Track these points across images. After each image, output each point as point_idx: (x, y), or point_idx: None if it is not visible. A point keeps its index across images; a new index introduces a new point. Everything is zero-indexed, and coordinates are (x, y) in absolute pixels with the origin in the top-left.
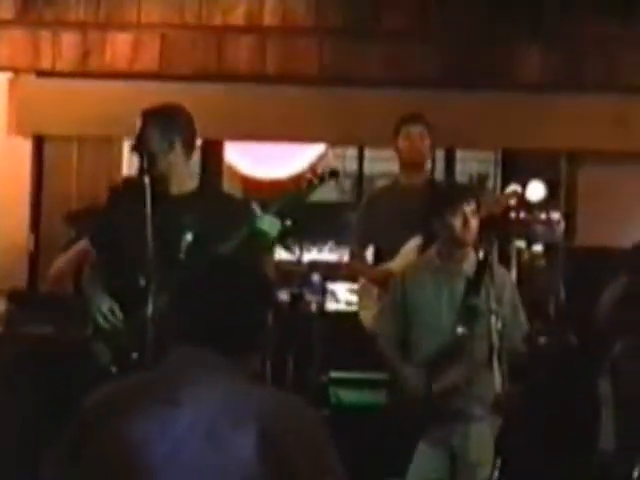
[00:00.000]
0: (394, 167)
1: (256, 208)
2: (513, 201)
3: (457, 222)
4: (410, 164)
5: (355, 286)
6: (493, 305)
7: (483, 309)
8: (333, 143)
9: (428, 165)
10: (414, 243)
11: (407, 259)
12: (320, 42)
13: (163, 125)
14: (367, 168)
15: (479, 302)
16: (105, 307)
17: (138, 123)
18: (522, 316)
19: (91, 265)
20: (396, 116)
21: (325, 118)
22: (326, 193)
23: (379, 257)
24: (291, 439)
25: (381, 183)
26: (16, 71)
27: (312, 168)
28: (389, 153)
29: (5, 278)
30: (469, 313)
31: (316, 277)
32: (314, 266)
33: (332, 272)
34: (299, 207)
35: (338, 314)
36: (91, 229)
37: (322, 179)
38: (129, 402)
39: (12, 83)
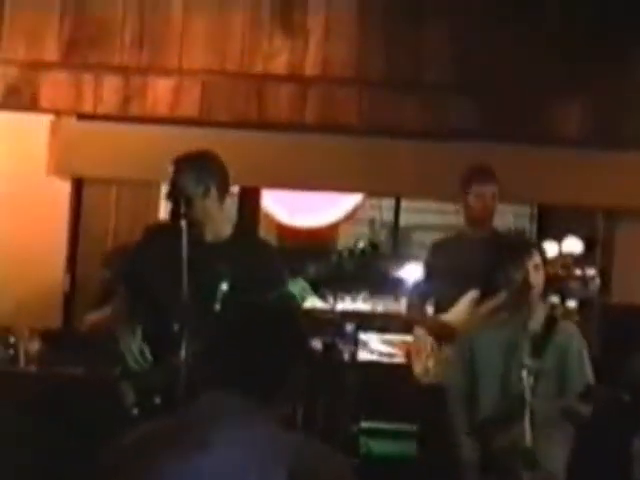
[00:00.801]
0: (429, 219)
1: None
2: (565, 268)
3: (519, 277)
4: (478, 221)
5: (389, 337)
6: (526, 360)
7: (547, 368)
8: (370, 193)
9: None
10: (471, 296)
11: (462, 312)
12: (360, 92)
13: (198, 170)
14: (403, 219)
15: (542, 361)
16: (135, 347)
17: (171, 169)
18: (587, 373)
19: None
20: (433, 167)
21: (363, 168)
22: (361, 242)
23: (438, 308)
24: None
25: (416, 235)
26: (58, 113)
27: (348, 217)
28: (425, 205)
29: (40, 318)
30: (534, 370)
31: (349, 327)
32: (347, 315)
33: (365, 322)
34: (336, 275)
35: (370, 364)
36: (123, 266)
37: (363, 252)
38: (160, 445)
39: (54, 125)
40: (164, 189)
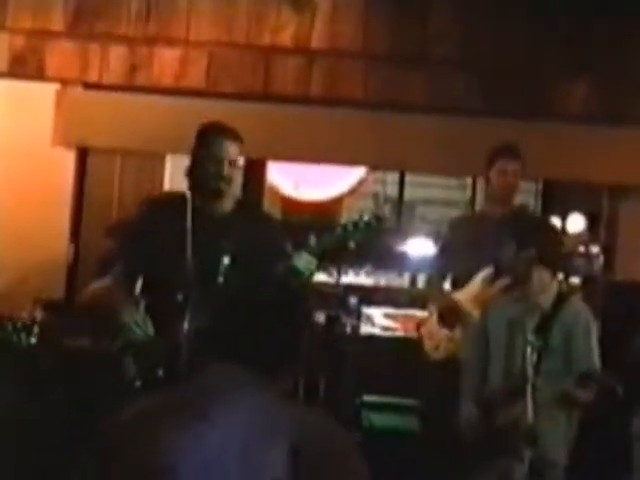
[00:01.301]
0: (434, 193)
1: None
2: (581, 245)
3: (522, 256)
4: (500, 197)
5: (391, 311)
6: (530, 337)
7: (553, 346)
8: (375, 167)
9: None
10: (483, 274)
11: (474, 290)
12: (366, 66)
13: (238, 141)
14: (407, 193)
15: (549, 339)
16: (139, 317)
17: (207, 137)
18: (593, 353)
19: (117, 271)
20: (438, 142)
21: (368, 142)
22: (366, 215)
23: (455, 285)
24: (323, 460)
25: (420, 209)
26: (64, 82)
27: (352, 191)
28: (429, 179)
29: (43, 288)
30: (535, 348)
31: (352, 300)
32: (351, 289)
33: (368, 296)
34: (340, 249)
35: (373, 338)
36: (126, 236)
37: (368, 224)
38: (161, 418)
39: (59, 94)
40: (169, 159)
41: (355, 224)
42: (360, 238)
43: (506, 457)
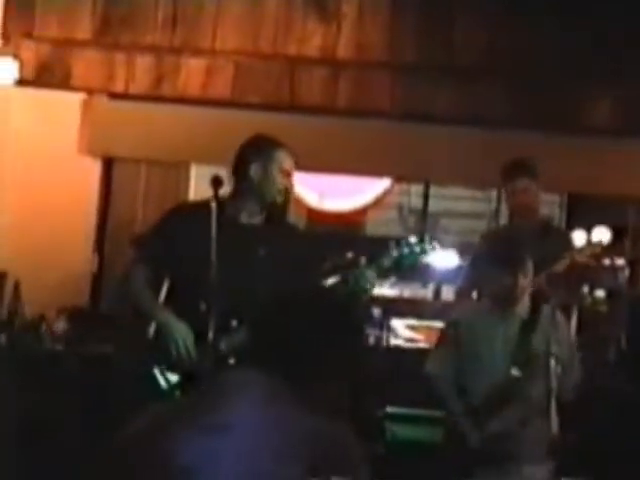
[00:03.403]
0: (458, 205)
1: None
2: (595, 257)
3: (506, 279)
4: (518, 214)
5: (414, 322)
6: (553, 348)
7: (538, 351)
8: (400, 178)
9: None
10: None
11: None
12: (392, 77)
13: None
14: (432, 205)
15: (535, 344)
16: (182, 340)
17: (280, 149)
18: (575, 361)
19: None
20: (463, 154)
21: (394, 153)
22: (390, 228)
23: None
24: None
25: (445, 221)
26: (90, 92)
27: (377, 202)
28: (454, 191)
29: (67, 297)
30: (524, 355)
31: (376, 311)
32: (374, 300)
33: (393, 307)
34: (397, 271)
35: (396, 349)
36: (150, 241)
37: (422, 251)
38: (177, 427)
39: (85, 104)
40: (194, 169)
41: (409, 246)
42: (413, 261)
43: (503, 463)
